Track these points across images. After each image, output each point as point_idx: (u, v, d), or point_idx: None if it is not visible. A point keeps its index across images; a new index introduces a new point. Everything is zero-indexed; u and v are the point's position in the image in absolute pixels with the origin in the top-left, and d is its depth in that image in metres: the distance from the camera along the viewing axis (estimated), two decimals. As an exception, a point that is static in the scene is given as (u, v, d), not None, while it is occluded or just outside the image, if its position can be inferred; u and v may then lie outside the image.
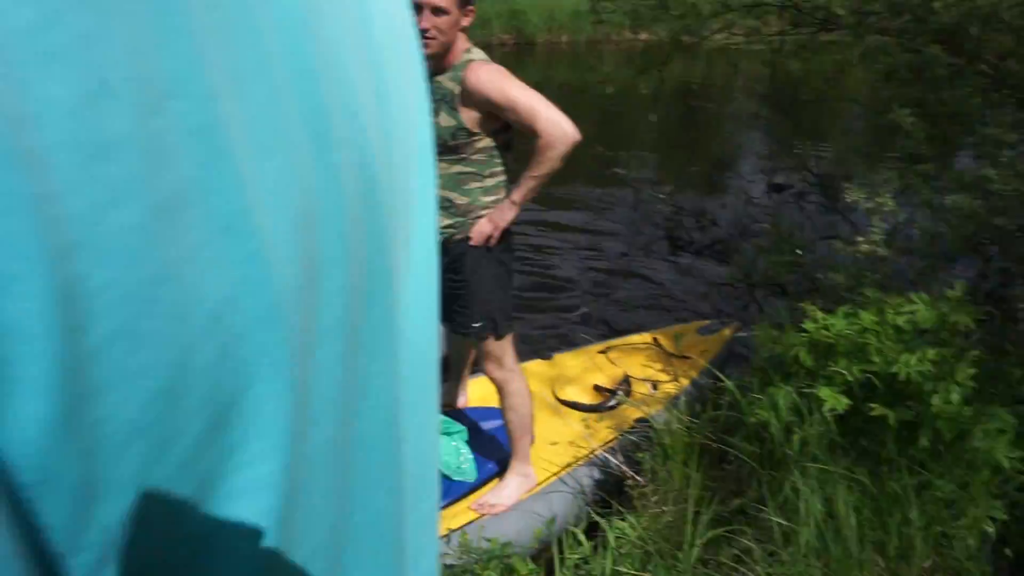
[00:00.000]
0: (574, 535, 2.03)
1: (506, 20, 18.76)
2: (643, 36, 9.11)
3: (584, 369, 3.37)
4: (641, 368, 3.37)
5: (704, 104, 6.79)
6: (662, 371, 3.33)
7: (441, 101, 2.29)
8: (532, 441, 2.85)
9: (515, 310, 4.65)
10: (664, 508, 2.18)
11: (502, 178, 2.40)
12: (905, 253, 2.66)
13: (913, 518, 1.81)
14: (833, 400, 1.89)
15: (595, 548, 2.06)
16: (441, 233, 2.44)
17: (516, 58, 17.17)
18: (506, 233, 2.49)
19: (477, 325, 2.50)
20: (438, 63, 2.31)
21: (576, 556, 1.90)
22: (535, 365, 3.41)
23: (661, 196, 6.05)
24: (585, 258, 5.52)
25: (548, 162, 2.22)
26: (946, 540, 1.88)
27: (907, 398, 1.96)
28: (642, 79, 3.84)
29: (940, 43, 2.23)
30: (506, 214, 2.38)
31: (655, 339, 3.58)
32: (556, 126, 2.17)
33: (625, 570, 1.81)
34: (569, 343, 3.84)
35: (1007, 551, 2.04)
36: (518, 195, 2.35)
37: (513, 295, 2.62)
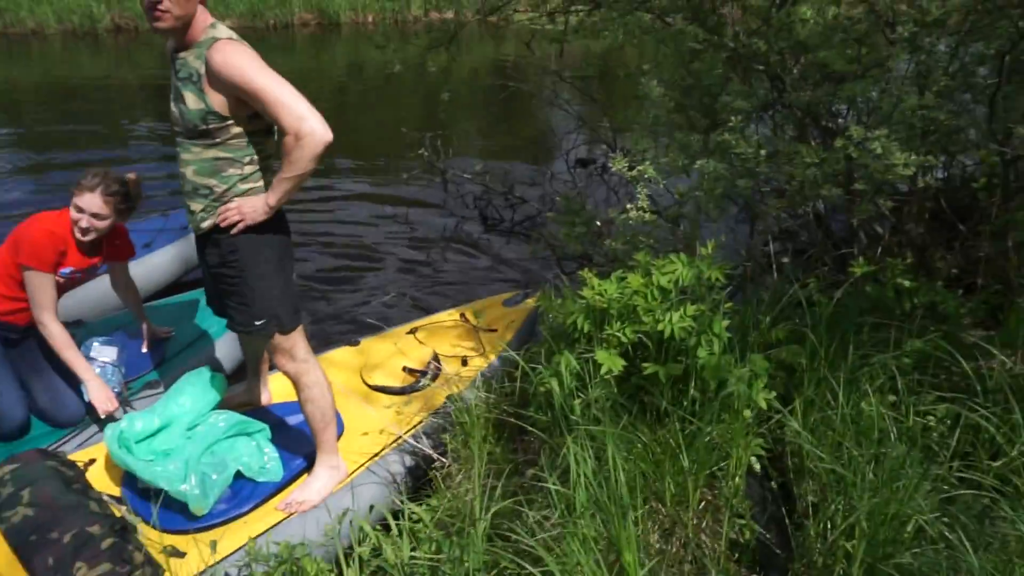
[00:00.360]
0: (361, 527, 1.98)
1: (308, -1, 18.00)
2: (449, 15, 9.09)
3: (392, 352, 3.32)
4: (450, 346, 3.38)
5: (514, 84, 6.91)
6: (471, 347, 3.36)
7: (187, 81, 2.08)
8: (341, 432, 2.76)
9: (324, 290, 4.51)
10: (465, 488, 2.18)
11: (263, 163, 2.24)
12: (680, 217, 2.85)
13: (685, 465, 1.94)
14: (609, 362, 1.97)
15: (400, 535, 2.03)
16: (199, 218, 2.26)
17: (321, 39, 16.54)
18: (281, 218, 2.35)
19: (260, 323, 2.36)
20: (179, 39, 2.10)
21: (365, 549, 1.85)
22: (342, 352, 3.32)
23: (467, 176, 6.09)
24: (395, 238, 5.46)
25: (298, 163, 2.04)
26: (716, 481, 2.04)
27: (677, 354, 2.10)
28: (432, 58, 3.79)
29: (692, 20, 2.38)
30: (258, 213, 2.22)
31: (462, 315, 3.59)
32: (303, 123, 1.98)
33: (420, 555, 1.79)
34: (378, 325, 3.77)
35: (772, 484, 2.26)
36: (272, 198, 2.19)
37: (295, 284, 2.50)
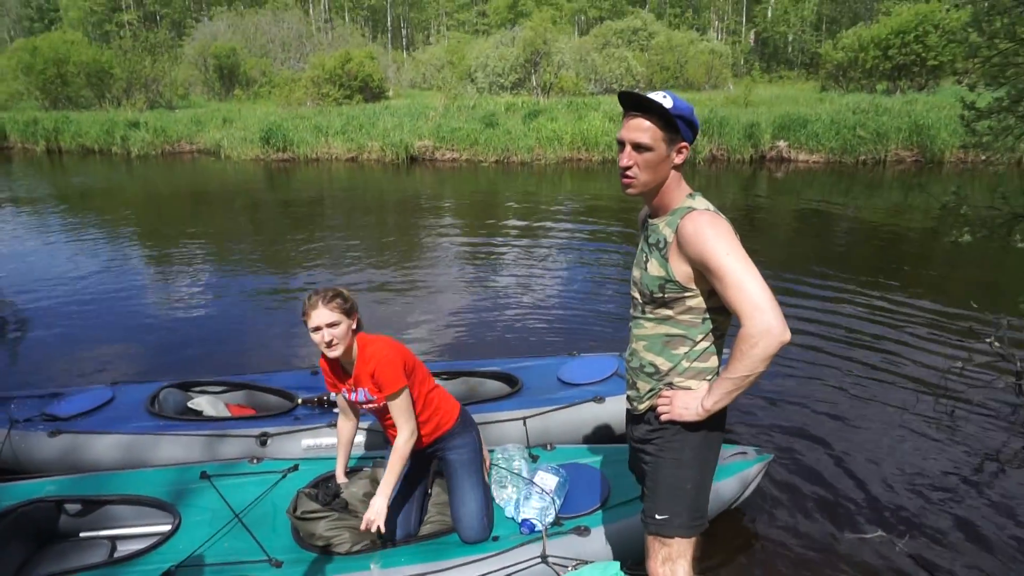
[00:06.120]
0: None
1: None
2: None
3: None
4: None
5: None
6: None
7: (654, 247, 2.02)
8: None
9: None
10: None
11: (717, 343, 2.06)
12: None
13: None
14: None
15: None
16: (640, 400, 2.18)
17: (914, 178, 14.83)
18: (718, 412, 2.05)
19: (660, 518, 2.11)
20: (652, 205, 2.07)
21: None
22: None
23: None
24: (926, 452, 4.24)
25: (745, 361, 1.80)
26: None
27: None
28: None
29: None
30: (689, 413, 2.02)
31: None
32: (760, 315, 1.76)
33: None
34: None
35: None
36: (709, 401, 1.96)
37: (710, 485, 2.16)
